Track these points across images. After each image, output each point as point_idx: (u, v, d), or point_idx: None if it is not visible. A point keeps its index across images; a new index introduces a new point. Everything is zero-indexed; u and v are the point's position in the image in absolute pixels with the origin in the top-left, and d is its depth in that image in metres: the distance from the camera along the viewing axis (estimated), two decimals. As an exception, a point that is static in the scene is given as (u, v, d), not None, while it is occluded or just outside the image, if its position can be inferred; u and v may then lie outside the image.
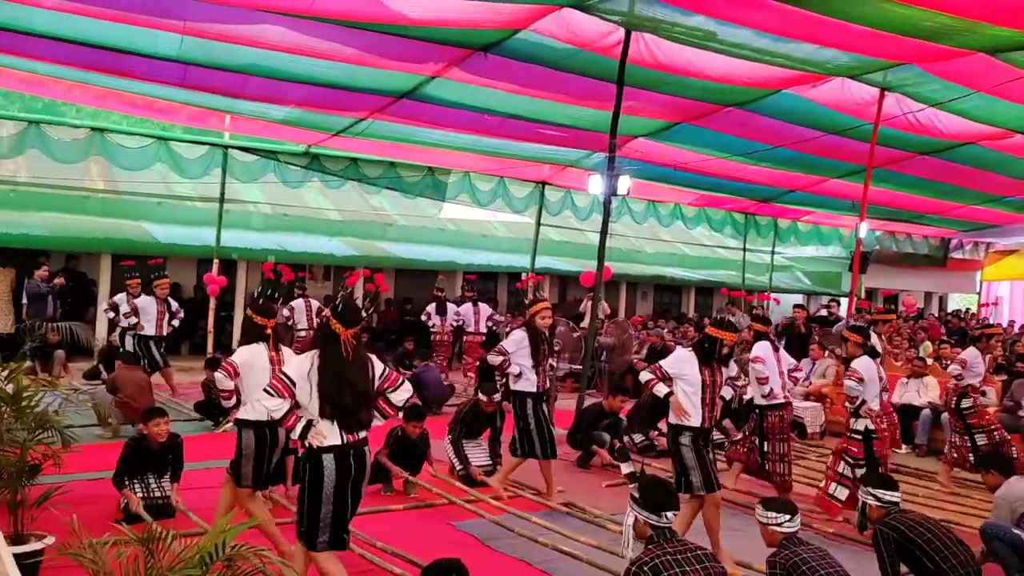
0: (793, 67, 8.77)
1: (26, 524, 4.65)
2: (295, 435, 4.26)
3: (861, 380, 6.57)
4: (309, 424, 4.21)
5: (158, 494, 6.01)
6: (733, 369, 5.95)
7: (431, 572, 3.43)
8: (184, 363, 13.09)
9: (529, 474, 7.23)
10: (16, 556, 3.57)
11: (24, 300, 12.55)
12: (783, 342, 12.99)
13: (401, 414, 4.74)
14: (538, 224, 15.57)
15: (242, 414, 5.26)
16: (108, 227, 14.00)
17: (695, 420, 5.60)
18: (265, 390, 4.29)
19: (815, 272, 23.20)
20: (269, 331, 5.31)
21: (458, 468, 7.50)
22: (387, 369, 4.45)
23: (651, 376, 5.73)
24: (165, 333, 10.53)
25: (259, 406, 5.13)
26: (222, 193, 13.06)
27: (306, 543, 4.25)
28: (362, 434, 4.31)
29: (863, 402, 6.60)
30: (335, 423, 4.21)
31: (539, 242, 15.81)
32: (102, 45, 8.56)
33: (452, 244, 17.72)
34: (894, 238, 20.08)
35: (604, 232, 9.49)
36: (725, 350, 5.72)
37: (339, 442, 4.21)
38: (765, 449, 7.14)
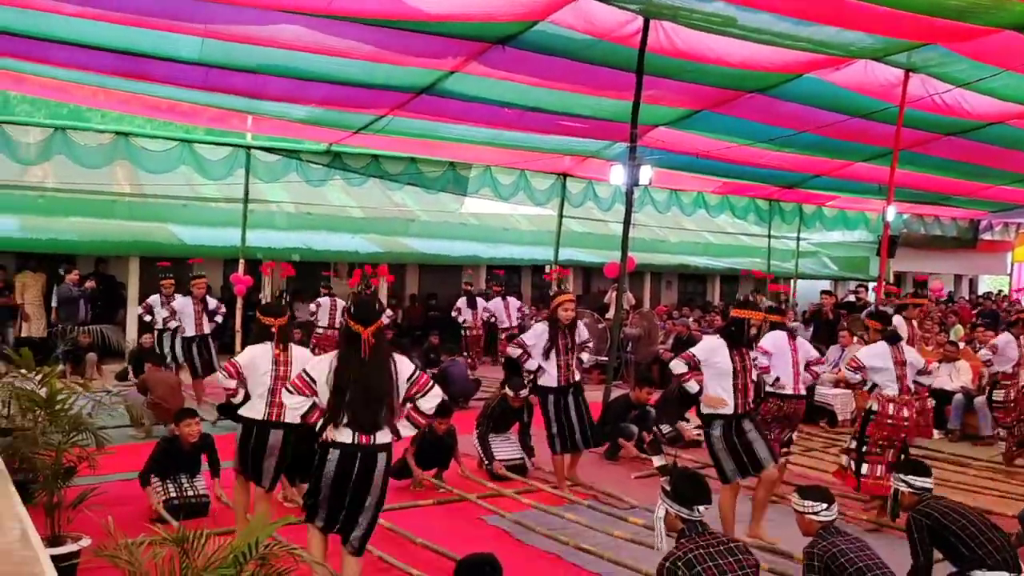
0: (815, 50, 8.65)
1: (62, 526, 4.72)
2: (317, 428, 4.32)
3: (859, 369, 6.59)
4: (328, 422, 4.26)
5: (191, 493, 6.09)
6: (753, 353, 5.96)
7: (465, 567, 3.43)
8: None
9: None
10: (53, 558, 3.63)
11: (55, 303, 12.72)
12: (811, 329, 12.89)
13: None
14: (560, 216, 15.53)
15: (242, 410, 5.36)
16: (135, 230, 14.16)
17: (729, 407, 5.58)
18: (287, 388, 4.38)
19: (842, 257, 22.96)
20: (275, 330, 5.35)
21: (486, 463, 7.51)
22: (416, 372, 4.40)
23: (684, 368, 5.67)
24: (206, 332, 10.46)
25: (258, 403, 5.22)
26: (246, 193, 13.15)
27: (305, 515, 4.39)
28: (379, 438, 4.27)
29: (874, 385, 6.60)
30: (347, 425, 4.22)
31: (562, 234, 15.77)
32: (123, 50, 8.64)
33: (475, 238, 17.73)
34: (922, 221, 19.81)
35: (627, 222, 9.44)
36: (753, 330, 5.73)
37: (348, 441, 4.22)
38: None
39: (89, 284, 13.03)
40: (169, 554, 2.64)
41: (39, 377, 5.16)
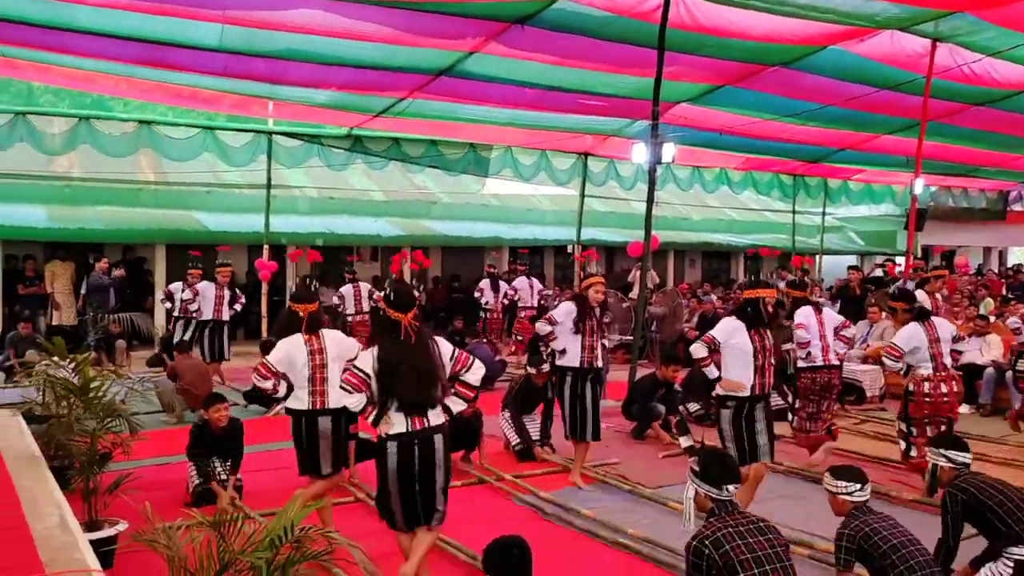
0: (839, 21, 8.52)
1: (99, 511, 4.80)
2: (370, 421, 4.29)
3: (899, 357, 6.55)
4: (381, 413, 4.25)
5: (224, 477, 6.15)
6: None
7: (494, 549, 3.46)
8: (240, 348, 13.33)
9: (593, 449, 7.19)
10: (91, 543, 3.69)
11: (84, 291, 12.91)
12: (837, 305, 12.78)
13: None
14: (582, 196, 15.47)
15: (288, 403, 5.34)
16: (161, 218, 14.30)
17: (746, 391, 5.52)
18: (342, 387, 4.35)
19: (868, 232, 22.70)
20: (304, 316, 5.34)
21: (515, 443, 7.52)
22: (456, 351, 4.41)
23: (705, 352, 5.61)
24: (224, 319, 10.65)
25: (301, 394, 5.24)
26: (268, 179, 13.23)
27: (387, 523, 4.36)
28: (432, 419, 4.26)
29: (909, 367, 6.60)
30: (399, 409, 4.22)
31: (584, 213, 15.72)
32: (144, 38, 8.69)
33: (497, 219, 17.72)
34: (950, 193, 19.51)
35: (650, 201, 9.38)
36: (770, 308, 5.66)
37: (403, 429, 4.22)
38: (796, 405, 7.11)
39: (118, 272, 13.19)
40: (206, 538, 2.68)
41: (72, 365, 5.23)
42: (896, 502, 6.19)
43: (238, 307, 10.96)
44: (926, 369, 6.50)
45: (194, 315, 10.50)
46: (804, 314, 7.05)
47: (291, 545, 2.71)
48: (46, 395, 5.54)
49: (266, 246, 13.47)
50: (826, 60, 9.73)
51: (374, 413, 4.27)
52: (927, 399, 6.47)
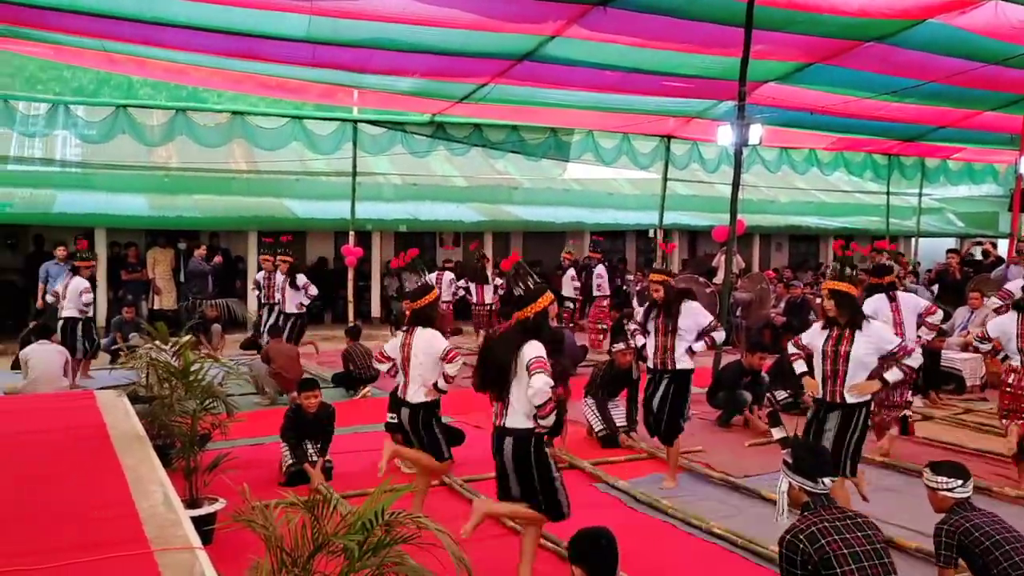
0: (940, -7, 8.13)
1: (199, 489, 5.01)
2: None
3: (985, 339, 6.54)
4: None
5: (315, 460, 6.33)
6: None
7: (579, 540, 3.44)
8: (327, 331, 13.70)
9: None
10: (192, 520, 3.86)
11: (183, 278, 13.45)
12: (935, 289, 12.27)
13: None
14: (665, 179, 15.25)
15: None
16: (253, 206, 14.75)
17: (819, 394, 5.25)
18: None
19: (968, 213, 21.67)
20: (404, 313, 5.71)
21: (598, 430, 7.50)
22: (534, 359, 4.19)
23: (795, 350, 5.48)
24: (287, 310, 10.15)
25: (398, 378, 5.48)
26: (354, 167, 13.50)
27: None
28: (508, 421, 4.30)
29: (1006, 356, 6.45)
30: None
31: (667, 197, 15.50)
32: (236, 31, 8.95)
33: (578, 204, 17.65)
34: (1057, 171, 18.43)
35: (736, 184, 9.17)
36: (822, 300, 5.36)
37: (493, 419, 4.44)
38: None
39: (217, 259, 13.70)
40: (301, 519, 2.75)
41: (174, 349, 5.45)
42: (998, 497, 5.95)
43: (306, 300, 10.25)
44: (1015, 361, 6.34)
45: (274, 303, 10.50)
46: (872, 303, 6.76)
47: (383, 527, 2.76)
48: (149, 377, 5.79)
49: (352, 232, 13.76)
50: (923, 34, 9.29)
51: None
52: (1008, 390, 6.35)
